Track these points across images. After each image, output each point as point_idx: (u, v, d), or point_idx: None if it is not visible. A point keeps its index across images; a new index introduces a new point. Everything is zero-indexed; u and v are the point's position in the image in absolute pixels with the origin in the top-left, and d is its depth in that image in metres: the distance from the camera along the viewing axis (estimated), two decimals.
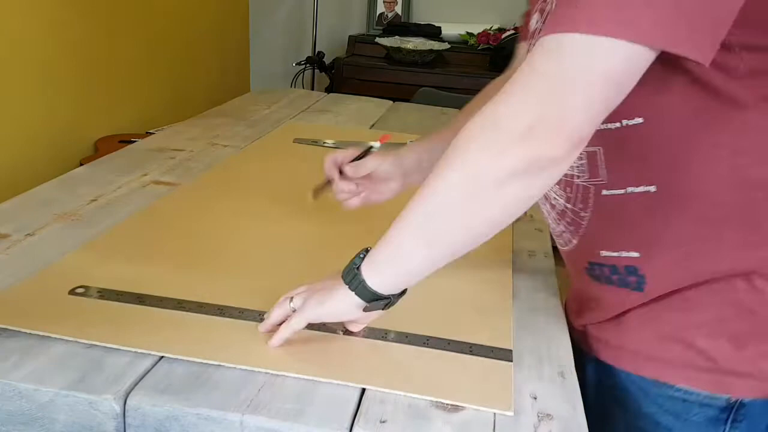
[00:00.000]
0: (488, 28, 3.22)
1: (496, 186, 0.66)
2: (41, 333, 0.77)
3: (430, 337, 0.83)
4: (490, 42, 3.14)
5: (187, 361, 0.75)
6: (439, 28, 3.32)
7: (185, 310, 0.85)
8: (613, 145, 0.75)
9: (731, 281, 0.75)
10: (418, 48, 3.08)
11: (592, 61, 0.62)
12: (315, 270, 0.98)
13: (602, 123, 0.68)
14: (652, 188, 0.74)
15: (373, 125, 1.89)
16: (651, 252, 0.77)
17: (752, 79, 0.69)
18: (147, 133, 2.23)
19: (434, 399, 0.72)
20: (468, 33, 3.29)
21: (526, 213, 1.29)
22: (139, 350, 0.76)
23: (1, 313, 0.80)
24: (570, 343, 0.88)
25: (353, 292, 0.74)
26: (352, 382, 0.74)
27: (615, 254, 0.80)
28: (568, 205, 0.83)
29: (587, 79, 0.63)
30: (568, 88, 0.63)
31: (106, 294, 0.86)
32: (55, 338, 0.77)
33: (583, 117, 0.64)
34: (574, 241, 0.85)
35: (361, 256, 0.76)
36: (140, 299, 0.86)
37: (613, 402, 0.84)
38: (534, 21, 0.83)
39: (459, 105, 2.24)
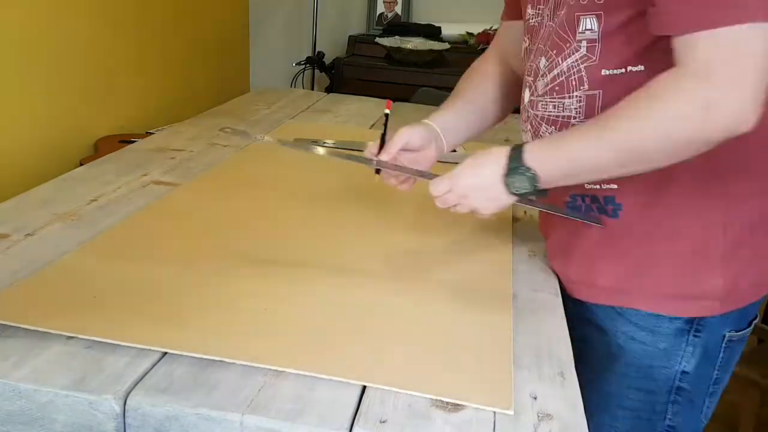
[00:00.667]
0: (488, 28, 3.22)
1: (705, 144, 0.76)
2: (42, 329, 0.77)
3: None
4: (490, 42, 3.14)
5: (187, 361, 0.75)
6: (439, 28, 3.32)
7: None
8: (613, 89, 0.85)
9: (694, 218, 0.87)
10: (418, 48, 3.07)
11: (750, 46, 0.71)
12: (315, 268, 0.99)
13: (609, 69, 0.84)
14: None
15: (373, 125, 1.89)
16: (628, 184, 0.89)
17: None
18: (147, 133, 2.23)
19: (434, 397, 0.72)
20: (468, 33, 3.29)
21: (526, 213, 1.30)
22: (140, 346, 0.76)
23: (1, 311, 0.80)
24: (570, 343, 0.88)
25: (520, 201, 0.87)
26: (353, 379, 0.74)
27: (597, 187, 0.91)
28: None
29: (753, 62, 0.72)
30: (746, 74, 0.72)
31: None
32: (55, 338, 0.77)
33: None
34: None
35: (531, 180, 0.84)
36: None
37: (591, 327, 0.97)
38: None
39: None
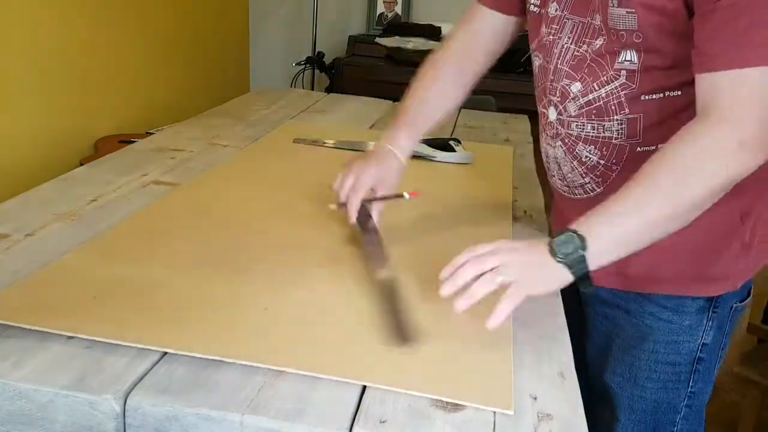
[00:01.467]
0: None
1: (743, 176, 0.82)
2: (42, 329, 0.77)
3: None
4: None
5: (187, 361, 0.75)
6: (439, 28, 3.32)
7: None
8: (654, 112, 0.93)
9: (713, 212, 0.87)
10: (418, 48, 3.07)
11: None
12: (315, 268, 0.99)
13: (648, 94, 0.91)
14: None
15: (373, 125, 1.89)
16: None
17: None
18: (147, 133, 2.23)
19: (434, 397, 0.72)
20: None
21: (526, 212, 1.30)
22: (140, 346, 0.76)
23: (1, 311, 0.80)
24: (570, 343, 0.88)
25: (570, 273, 0.80)
26: (353, 379, 0.74)
27: None
28: (602, 161, 0.98)
29: None
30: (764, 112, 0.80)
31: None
32: (55, 338, 0.77)
33: None
34: (598, 190, 1.00)
35: (577, 242, 0.80)
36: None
37: (619, 310, 1.04)
38: (552, 9, 0.99)
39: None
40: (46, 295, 0.85)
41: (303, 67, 3.26)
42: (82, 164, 1.58)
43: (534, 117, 2.05)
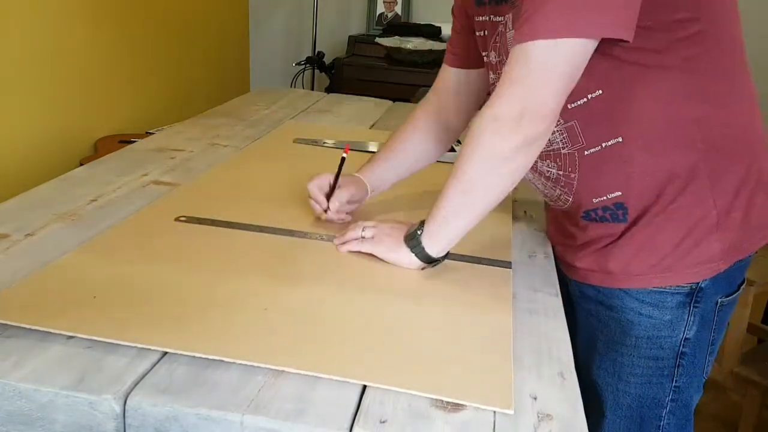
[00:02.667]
0: None
1: (506, 161, 0.91)
2: (42, 329, 0.77)
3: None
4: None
5: (187, 361, 0.75)
6: (439, 28, 3.32)
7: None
8: (585, 116, 0.97)
9: (689, 203, 0.97)
10: (418, 48, 3.08)
11: (552, 59, 0.86)
12: (315, 268, 0.99)
13: (573, 102, 0.95)
14: (620, 139, 0.97)
15: (373, 125, 1.89)
16: (629, 188, 0.99)
17: (671, 50, 0.92)
18: (147, 133, 2.23)
19: (435, 397, 0.72)
20: None
21: (526, 212, 1.30)
22: (140, 345, 0.76)
23: (1, 311, 0.80)
24: (570, 343, 0.88)
25: (415, 256, 1.00)
26: (353, 379, 0.74)
27: (603, 198, 1.02)
28: (560, 172, 1.04)
29: (551, 73, 0.87)
30: (540, 84, 0.87)
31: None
32: (55, 338, 0.77)
33: (554, 101, 0.88)
34: (570, 200, 1.06)
35: (419, 230, 0.99)
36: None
37: (601, 306, 1.07)
38: (492, 57, 1.07)
39: None
40: (47, 295, 0.85)
41: (303, 67, 3.26)
42: (82, 164, 1.58)
43: None
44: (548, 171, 1.06)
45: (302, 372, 0.74)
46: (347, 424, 0.68)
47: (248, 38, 3.68)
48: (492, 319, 0.89)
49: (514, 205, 1.33)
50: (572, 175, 1.03)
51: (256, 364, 0.75)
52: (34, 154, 2.04)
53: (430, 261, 1.01)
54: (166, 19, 2.77)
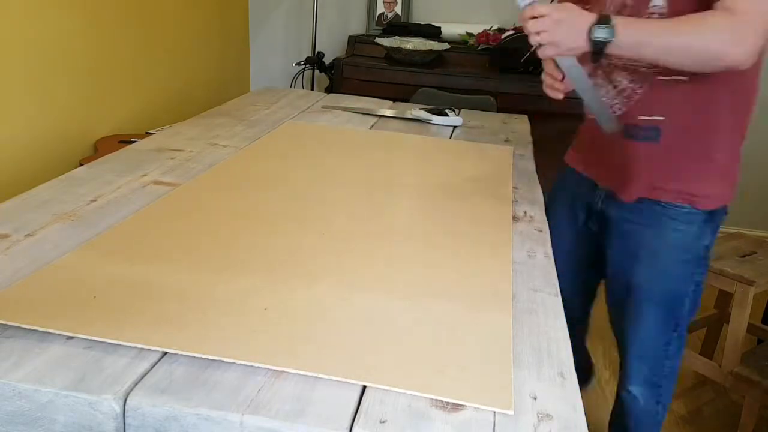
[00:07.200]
0: (488, 28, 3.22)
1: (720, 62, 1.11)
2: (42, 329, 0.77)
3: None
4: (490, 42, 3.14)
5: (187, 361, 0.75)
6: (439, 28, 3.32)
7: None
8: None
9: (714, 139, 1.27)
10: (418, 48, 3.07)
11: None
12: (315, 268, 0.99)
13: None
14: (685, 77, 1.22)
15: (373, 125, 1.89)
16: (670, 116, 1.26)
17: None
18: (147, 133, 2.23)
19: (434, 397, 0.72)
20: (468, 33, 3.29)
21: (526, 213, 1.30)
22: (140, 346, 0.76)
23: (1, 311, 0.80)
24: (570, 343, 0.88)
25: (591, 48, 1.13)
26: (353, 379, 0.74)
27: (648, 117, 1.27)
28: (630, 84, 1.28)
29: None
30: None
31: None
32: (55, 338, 0.77)
33: None
34: (624, 109, 1.30)
35: (611, 32, 1.11)
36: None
37: (642, 226, 1.34)
38: None
39: (458, 105, 2.24)
40: (46, 295, 0.85)
41: (303, 67, 3.26)
42: (82, 164, 1.58)
43: (533, 117, 2.06)
44: (619, 81, 1.29)
45: (302, 372, 0.74)
46: (347, 424, 0.68)
47: (248, 38, 3.68)
48: (492, 319, 0.89)
49: (514, 205, 1.33)
50: (638, 90, 1.27)
51: (256, 365, 0.75)
52: (34, 154, 2.04)
53: (603, 42, 1.11)
54: (166, 19, 2.77)
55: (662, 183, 1.30)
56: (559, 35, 1.12)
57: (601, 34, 1.10)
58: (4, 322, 0.78)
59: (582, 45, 1.12)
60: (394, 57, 3.12)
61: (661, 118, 1.26)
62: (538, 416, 0.72)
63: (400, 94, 2.56)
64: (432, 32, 3.31)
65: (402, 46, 3.09)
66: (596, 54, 1.13)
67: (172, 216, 1.14)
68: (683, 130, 1.26)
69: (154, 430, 0.69)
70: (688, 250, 1.33)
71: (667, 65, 1.15)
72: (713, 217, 1.32)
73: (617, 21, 1.11)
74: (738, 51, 1.09)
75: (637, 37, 1.11)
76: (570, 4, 1.16)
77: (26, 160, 2.01)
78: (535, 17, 1.13)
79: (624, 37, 1.11)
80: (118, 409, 0.69)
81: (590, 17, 1.12)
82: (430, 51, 3.07)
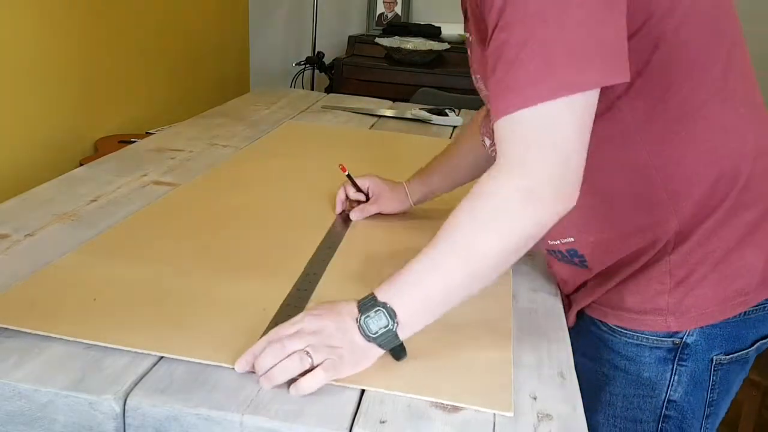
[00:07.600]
0: None
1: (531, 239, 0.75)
2: (41, 333, 0.77)
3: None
4: None
5: (187, 361, 0.75)
6: (439, 28, 3.32)
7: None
8: None
9: (648, 250, 0.88)
10: (418, 48, 3.07)
11: (553, 122, 0.71)
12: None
13: None
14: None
15: (372, 125, 1.89)
16: (580, 236, 0.93)
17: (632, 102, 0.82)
18: (147, 133, 2.23)
19: (434, 400, 0.72)
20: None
21: None
22: (139, 350, 0.76)
23: (1, 313, 0.80)
24: (570, 343, 0.88)
25: (381, 348, 0.75)
26: (351, 384, 0.74)
27: (557, 242, 0.95)
28: None
29: (558, 137, 0.72)
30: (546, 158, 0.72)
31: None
32: (55, 338, 0.77)
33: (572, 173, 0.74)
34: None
35: (390, 320, 0.74)
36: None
37: (582, 355, 0.93)
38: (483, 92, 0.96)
39: (458, 105, 2.25)
40: (46, 298, 0.85)
41: (303, 67, 3.26)
42: (82, 164, 1.58)
43: None
44: None
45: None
46: (347, 425, 0.68)
47: (248, 38, 3.68)
48: (492, 318, 0.89)
49: None
50: None
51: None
52: (34, 154, 2.04)
53: (387, 331, 0.74)
54: (166, 19, 2.76)
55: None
56: (332, 358, 0.73)
57: (375, 325, 0.74)
58: (4, 326, 0.78)
59: (366, 357, 0.75)
60: (394, 57, 3.12)
61: (572, 239, 0.94)
62: (538, 416, 0.72)
63: (400, 94, 2.56)
64: (432, 32, 3.31)
65: (402, 46, 3.09)
66: (398, 352, 0.77)
67: (172, 216, 1.14)
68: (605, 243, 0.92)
69: (154, 430, 0.69)
70: (637, 404, 0.96)
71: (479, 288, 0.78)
72: (687, 358, 0.92)
73: (384, 296, 0.75)
74: (540, 205, 0.73)
75: (420, 300, 0.76)
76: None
77: (26, 160, 2.01)
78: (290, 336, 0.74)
79: (407, 311, 0.75)
80: (118, 409, 0.69)
81: (351, 308, 0.76)
82: (430, 51, 3.07)
